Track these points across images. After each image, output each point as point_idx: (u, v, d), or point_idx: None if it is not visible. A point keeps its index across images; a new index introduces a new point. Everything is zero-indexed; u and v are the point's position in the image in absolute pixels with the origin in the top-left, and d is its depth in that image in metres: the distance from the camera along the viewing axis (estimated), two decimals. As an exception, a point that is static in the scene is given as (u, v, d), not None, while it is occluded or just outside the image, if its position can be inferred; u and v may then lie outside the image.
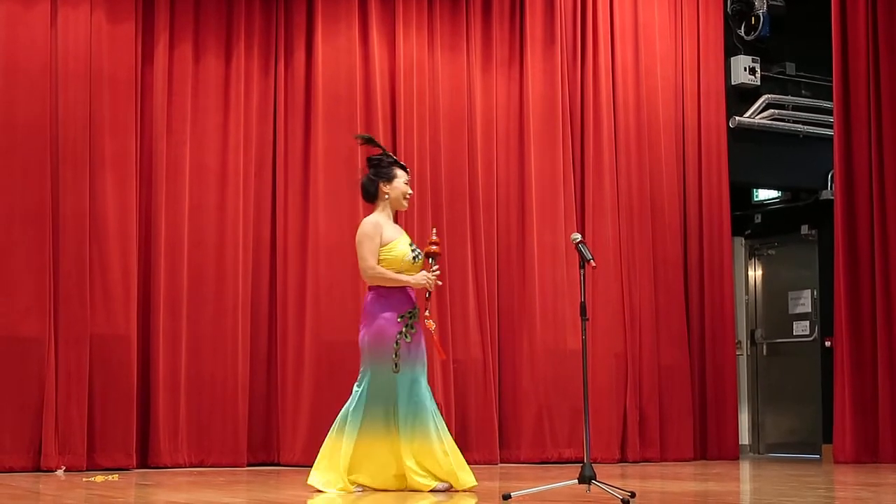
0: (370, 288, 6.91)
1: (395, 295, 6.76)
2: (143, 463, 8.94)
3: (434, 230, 7.14)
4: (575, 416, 9.73)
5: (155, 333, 9.01)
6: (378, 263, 6.73)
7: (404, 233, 7.05)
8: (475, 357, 9.92)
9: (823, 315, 11.70)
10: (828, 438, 10.88)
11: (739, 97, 11.60)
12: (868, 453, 10.21)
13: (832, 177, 11.20)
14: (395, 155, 9.84)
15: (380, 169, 6.97)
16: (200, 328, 9.18)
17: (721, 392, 11.07)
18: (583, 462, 6.07)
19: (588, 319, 6.29)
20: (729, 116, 11.44)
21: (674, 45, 11.24)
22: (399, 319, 6.70)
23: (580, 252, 6.30)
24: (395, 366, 6.65)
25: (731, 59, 11.56)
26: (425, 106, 10.04)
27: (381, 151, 7.10)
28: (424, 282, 6.76)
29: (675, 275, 11.02)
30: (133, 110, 9.10)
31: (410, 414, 6.66)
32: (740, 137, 11.53)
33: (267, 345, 9.48)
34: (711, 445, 11.02)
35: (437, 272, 6.83)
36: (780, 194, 12.42)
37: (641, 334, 10.70)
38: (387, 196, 6.88)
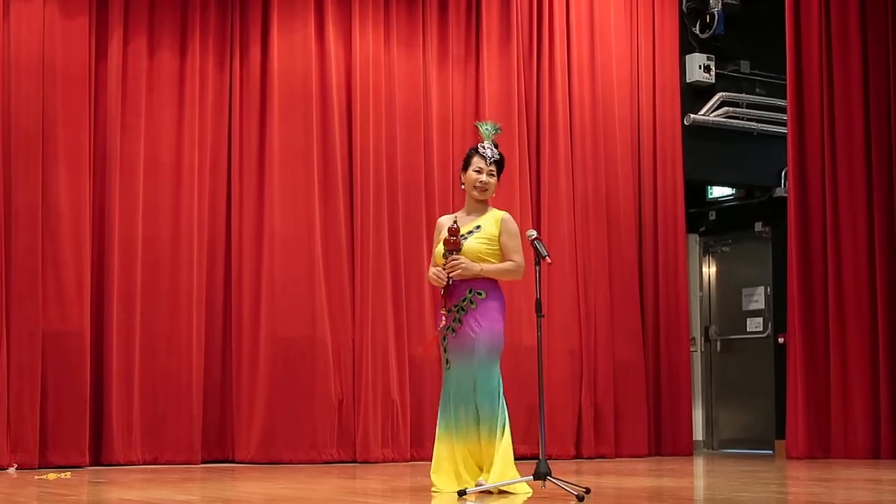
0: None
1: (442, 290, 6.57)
2: (97, 460, 8.90)
3: (455, 220, 6.61)
4: (530, 413, 9.76)
5: (108, 329, 8.96)
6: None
7: (476, 225, 6.55)
8: (430, 352, 9.91)
9: (777, 312, 11.79)
10: (781, 434, 10.98)
11: (694, 95, 11.68)
12: (820, 449, 10.32)
13: (786, 174, 11.30)
14: (351, 151, 9.92)
15: (464, 158, 6.75)
16: (154, 324, 9.14)
17: (675, 388, 11.14)
18: (538, 458, 6.09)
19: (543, 316, 6.28)
20: (684, 114, 11.51)
21: (629, 43, 11.30)
22: (446, 312, 6.48)
23: (536, 249, 6.29)
24: (447, 362, 6.51)
25: (686, 56, 11.63)
26: (381, 102, 10.04)
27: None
28: (434, 277, 6.46)
29: (631, 271, 11.08)
30: (87, 105, 9.04)
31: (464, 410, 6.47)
32: (695, 135, 11.61)
33: (222, 341, 9.45)
34: (666, 441, 11.10)
35: (455, 261, 6.38)
36: (734, 191, 12.51)
37: (597, 331, 10.75)
38: (463, 185, 6.67)
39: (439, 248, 6.52)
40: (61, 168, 8.90)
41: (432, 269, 6.51)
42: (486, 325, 6.41)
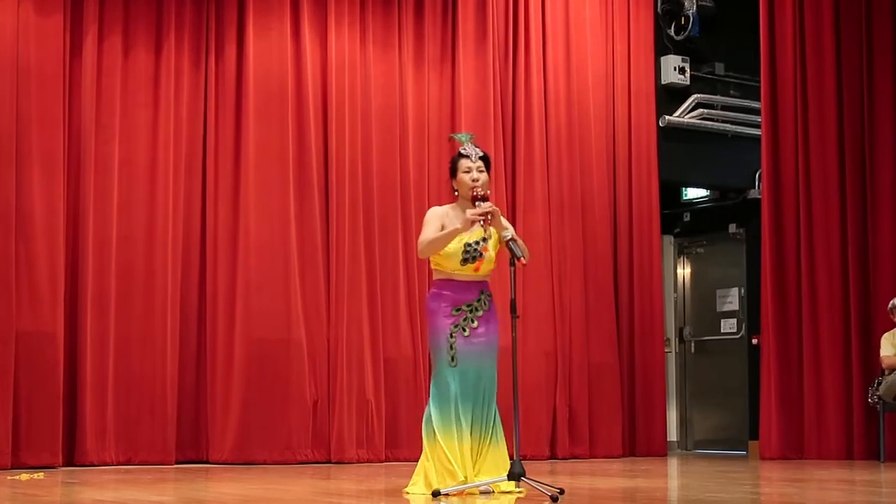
0: (431, 284, 6.71)
1: (449, 287, 6.58)
2: (70, 461, 8.87)
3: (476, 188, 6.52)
4: (505, 414, 9.68)
5: (82, 331, 8.94)
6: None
7: (479, 231, 6.48)
8: (405, 354, 9.95)
9: (751, 313, 11.83)
10: (754, 435, 11.03)
11: (669, 96, 11.72)
12: (794, 450, 10.38)
13: (760, 176, 11.35)
14: (327, 152, 9.91)
15: (449, 166, 6.75)
16: (129, 325, 9.12)
17: (650, 389, 11.19)
18: (512, 459, 6.11)
19: (518, 317, 6.29)
20: (659, 115, 11.56)
21: (604, 44, 11.33)
22: (455, 312, 6.54)
23: (510, 249, 6.31)
24: (452, 359, 6.48)
25: (662, 58, 11.68)
26: (357, 103, 10.04)
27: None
28: (471, 217, 6.30)
29: (605, 272, 11.11)
30: (61, 104, 9.01)
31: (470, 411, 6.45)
32: (670, 136, 11.65)
33: (196, 342, 9.43)
34: (640, 442, 11.14)
35: (489, 206, 6.30)
36: (708, 193, 12.56)
37: (571, 332, 10.78)
38: (456, 192, 6.67)
39: (461, 249, 6.41)
40: (35, 168, 8.86)
41: (469, 211, 6.38)
42: (494, 328, 6.47)
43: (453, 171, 6.61)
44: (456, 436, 6.34)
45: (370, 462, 9.66)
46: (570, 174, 11.00)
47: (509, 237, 6.36)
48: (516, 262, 6.28)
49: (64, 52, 9.06)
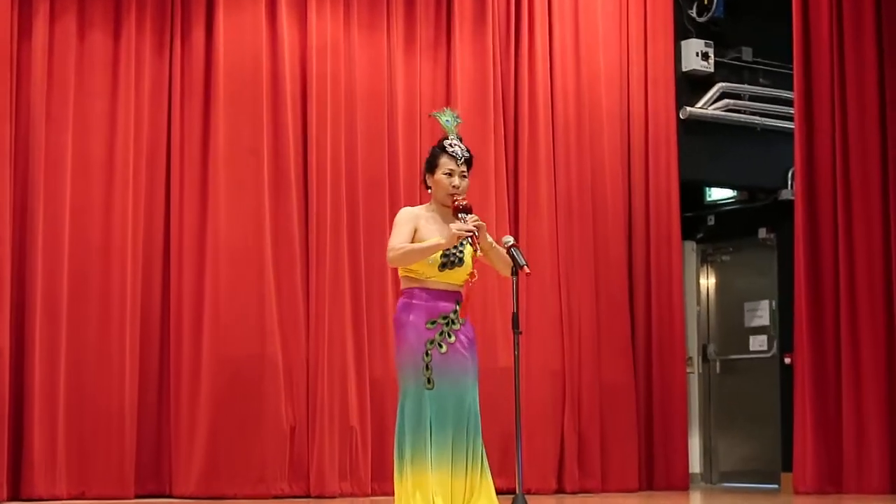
0: (400, 293, 6.73)
1: (423, 296, 6.57)
2: (15, 495, 8.83)
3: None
4: (506, 442, 9.75)
5: (30, 347, 8.91)
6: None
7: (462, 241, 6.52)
8: (395, 374, 9.88)
9: (783, 328, 11.82)
10: (787, 466, 11.01)
11: (691, 85, 11.72)
12: (831, 483, 10.35)
13: (792, 174, 11.35)
14: (306, 146, 9.90)
15: (428, 157, 6.71)
16: (83, 341, 9.10)
17: (669, 414, 11.18)
18: (514, 493, 6.09)
19: (521, 333, 6.30)
20: (679, 107, 11.55)
21: (618, 27, 11.34)
22: (429, 326, 6.51)
23: (513, 257, 6.30)
24: (428, 381, 6.45)
25: (682, 43, 11.67)
26: (340, 91, 10.03)
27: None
28: (458, 233, 6.25)
29: (619, 283, 11.11)
30: (7, 92, 8.98)
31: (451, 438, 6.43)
32: (692, 130, 11.65)
33: (159, 361, 9.41)
34: (658, 474, 11.13)
35: (475, 220, 6.29)
36: (735, 194, 12.55)
37: (581, 350, 10.78)
38: (429, 189, 6.65)
39: (439, 256, 6.43)
40: (-23, 164, 8.87)
41: (455, 226, 6.37)
42: (473, 345, 6.45)
43: (431, 166, 6.57)
44: (433, 470, 6.31)
45: (354, 496, 9.64)
46: (579, 173, 11.00)
47: (511, 243, 6.36)
48: (519, 271, 6.28)
49: (11, 34, 9.03)
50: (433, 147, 6.64)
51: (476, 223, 6.29)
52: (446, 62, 10.59)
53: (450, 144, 6.53)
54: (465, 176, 6.52)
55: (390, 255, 6.38)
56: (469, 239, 6.29)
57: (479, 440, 6.41)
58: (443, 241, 6.29)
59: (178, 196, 9.55)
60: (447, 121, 6.68)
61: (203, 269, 9.48)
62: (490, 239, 6.40)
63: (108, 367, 9.13)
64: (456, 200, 6.38)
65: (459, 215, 6.35)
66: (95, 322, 9.15)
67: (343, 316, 9.79)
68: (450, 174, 6.47)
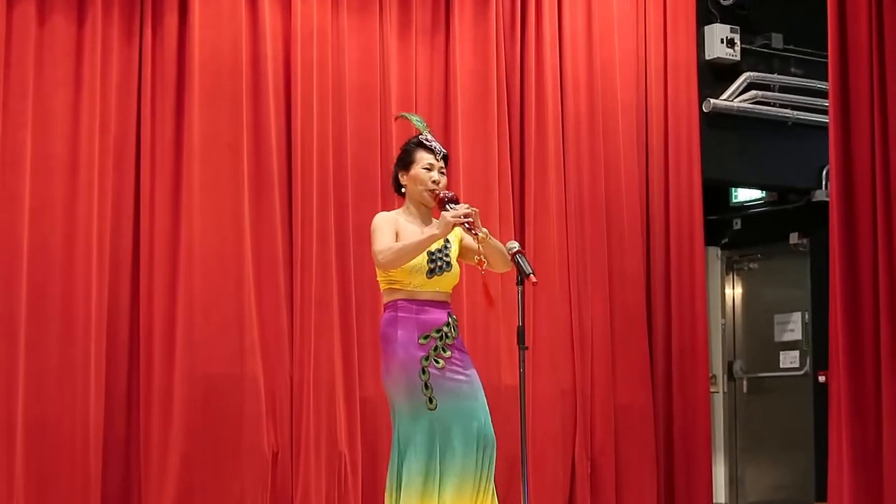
0: (385, 307, 6.78)
1: (413, 308, 6.57)
2: (-31, 527, 8.86)
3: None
4: (511, 468, 9.75)
5: (-15, 364, 8.92)
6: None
7: (445, 242, 6.69)
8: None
9: (817, 344, 11.84)
10: (821, 496, 11.01)
11: (715, 75, 11.74)
12: (870, 514, 10.36)
13: (827, 173, 11.35)
14: (290, 143, 9.90)
15: (400, 154, 6.83)
16: (42, 358, 9.08)
17: (691, 438, 11.19)
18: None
19: (527, 348, 6.36)
20: (702, 99, 11.57)
21: (635, 11, 11.35)
22: (422, 341, 6.59)
23: (518, 265, 6.33)
24: (430, 401, 6.48)
25: (705, 28, 11.70)
26: (328, 82, 10.02)
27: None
28: (453, 220, 6.41)
29: (636, 293, 11.12)
30: (-41, 84, 9.03)
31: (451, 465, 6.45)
32: (716, 124, 11.67)
33: (127, 380, 9.38)
34: (680, 504, 11.16)
35: (467, 209, 6.45)
36: (764, 195, 12.57)
37: (594, 367, 10.78)
38: (403, 190, 6.71)
39: (426, 259, 6.47)
40: (-74, 162, 8.89)
41: (447, 214, 6.43)
42: (469, 359, 6.48)
43: (406, 162, 6.63)
44: (440, 494, 6.33)
45: (343, 529, 9.66)
46: (591, 172, 11.01)
47: (516, 250, 6.38)
48: (525, 280, 6.29)
49: (-37, 19, 9.07)
50: (405, 144, 6.71)
51: (470, 209, 6.33)
52: (445, 49, 10.59)
53: (426, 139, 6.61)
54: (443, 173, 6.61)
55: (381, 257, 6.43)
56: (467, 225, 6.33)
57: (492, 471, 6.42)
58: (437, 232, 6.35)
59: (149, 198, 9.53)
60: (418, 120, 6.77)
61: (176, 278, 9.46)
62: (484, 229, 6.44)
63: (70, 387, 9.11)
64: (440, 193, 6.43)
65: (448, 206, 6.39)
66: (56, 337, 9.13)
67: (331, 329, 9.78)
68: (429, 168, 6.54)
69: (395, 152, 10.04)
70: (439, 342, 6.46)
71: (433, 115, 10.41)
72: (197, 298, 9.46)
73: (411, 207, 6.73)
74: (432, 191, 6.58)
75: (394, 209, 7.13)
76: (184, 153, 9.61)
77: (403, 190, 6.78)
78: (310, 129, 9.92)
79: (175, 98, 9.66)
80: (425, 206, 6.71)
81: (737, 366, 12.59)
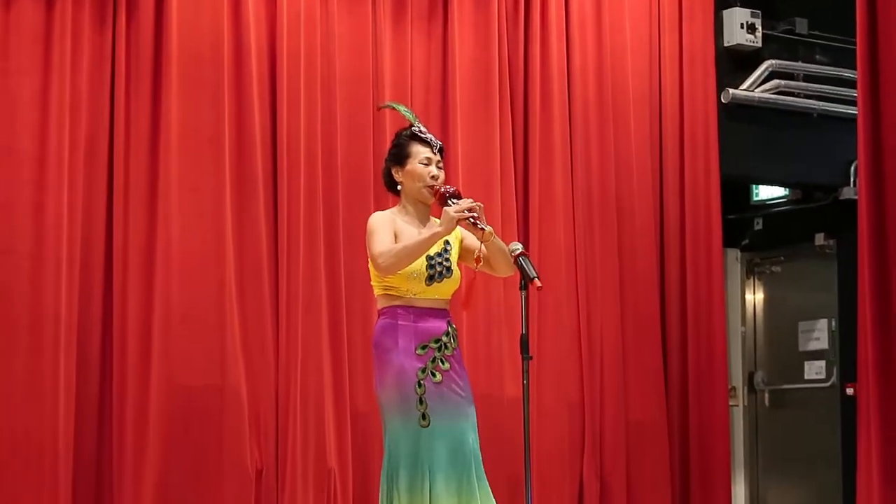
0: (379, 313, 6.80)
1: (410, 316, 6.61)
2: (-70, 549, 8.87)
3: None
4: (513, 488, 9.75)
5: (-54, 375, 8.94)
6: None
7: (446, 242, 6.73)
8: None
9: (844, 353, 11.83)
10: (850, 517, 11.03)
11: (734, 63, 11.75)
12: (902, 536, 10.37)
13: (856, 169, 11.35)
14: (276, 136, 9.91)
15: (392, 149, 6.86)
16: (8, 368, 9.07)
17: (709, 455, 11.21)
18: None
19: (531, 358, 6.34)
20: (720, 89, 11.58)
21: (648, -6, 11.39)
22: (420, 352, 6.60)
23: (521, 268, 6.33)
24: (423, 416, 6.50)
25: (724, 12, 11.70)
26: (316, 72, 10.02)
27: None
28: (457, 215, 6.41)
29: (649, 299, 11.14)
30: (-82, 72, 9.06)
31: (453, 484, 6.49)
32: (735, 116, 11.67)
33: (99, 391, 9.38)
34: (696, 526, 11.17)
35: (471, 203, 6.47)
36: (787, 192, 12.56)
37: (604, 378, 10.80)
38: (399, 187, 6.72)
39: (425, 263, 6.48)
40: None
41: (451, 209, 6.45)
42: (466, 373, 6.48)
43: (400, 157, 6.64)
44: None
45: (333, 552, 9.68)
46: (600, 168, 11.04)
47: (519, 251, 6.39)
48: (529, 284, 6.30)
49: (-78, 3, 9.09)
50: (397, 136, 6.72)
51: (474, 203, 6.34)
52: (442, 37, 10.59)
53: (420, 131, 6.62)
54: (441, 167, 6.62)
55: (381, 260, 6.43)
56: (471, 220, 6.34)
57: (486, 482, 6.45)
58: (440, 229, 6.35)
59: (123, 196, 9.52)
60: (407, 111, 6.78)
61: (152, 282, 9.46)
62: (489, 227, 6.45)
63: (38, 399, 9.11)
64: (440, 188, 6.44)
65: (449, 201, 6.40)
66: (23, 346, 9.13)
67: (320, 337, 9.78)
68: (427, 163, 6.55)
69: (388, 144, 10.17)
70: (438, 353, 6.47)
71: (430, 107, 10.43)
72: (174, 304, 9.46)
73: (408, 206, 6.74)
74: (432, 186, 6.58)
75: (388, 208, 7.15)
76: (161, 148, 9.60)
77: (399, 188, 6.79)
78: (297, 123, 9.93)
79: (151, 88, 9.65)
80: (424, 203, 6.71)
81: (758, 377, 12.57)
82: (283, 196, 9.84)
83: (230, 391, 9.50)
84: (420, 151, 6.66)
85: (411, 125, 6.86)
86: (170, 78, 9.63)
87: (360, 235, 9.84)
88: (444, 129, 10.47)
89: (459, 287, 6.84)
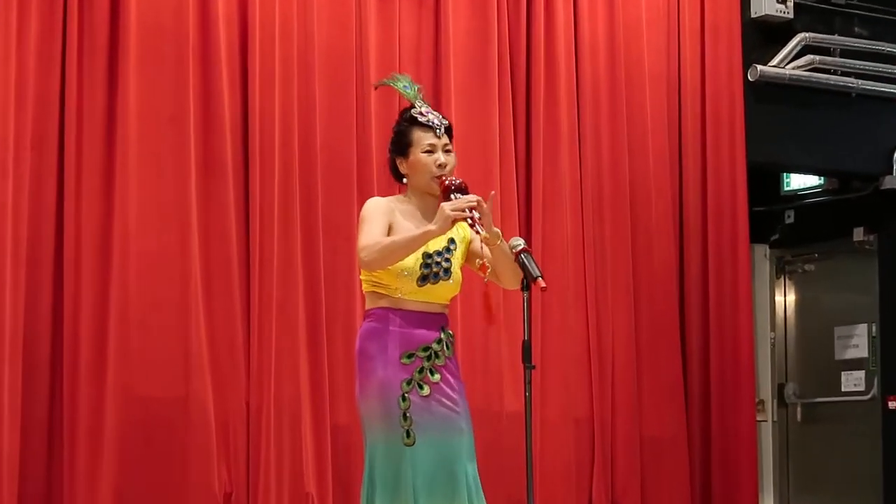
0: (365, 315, 6.76)
1: (397, 320, 6.56)
2: None
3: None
4: (515, 512, 9.79)
5: None
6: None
7: (450, 239, 6.68)
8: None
9: (886, 362, 11.84)
10: (892, 545, 11.04)
11: (763, 36, 11.75)
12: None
13: (899, 155, 11.39)
14: (247, 117, 9.88)
15: (393, 137, 6.79)
16: (-53, 378, 9.08)
17: (734, 476, 11.21)
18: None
19: (534, 367, 6.32)
20: (747, 65, 11.56)
21: (666, -42, 11.38)
22: (405, 361, 6.56)
23: (523, 266, 6.30)
24: (407, 434, 6.47)
25: (751, -21, 11.71)
26: (292, 44, 9.99)
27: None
28: (453, 214, 6.33)
29: (667, 302, 11.15)
30: None
31: None
32: (764, 96, 11.66)
33: (48, 403, 9.31)
34: (721, 555, 11.16)
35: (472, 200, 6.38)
36: (822, 181, 12.55)
37: (615, 390, 10.79)
38: (404, 179, 6.68)
39: (419, 261, 6.45)
40: None
41: (448, 205, 6.39)
42: (461, 385, 6.47)
43: (402, 147, 6.63)
44: None
45: (310, 585, 9.65)
46: (612, 154, 11.05)
47: (521, 247, 6.36)
48: (532, 284, 6.28)
49: None
50: (397, 123, 6.69)
51: (475, 200, 6.30)
52: (434, 6, 10.58)
53: (420, 113, 6.59)
54: (449, 150, 6.59)
55: (363, 254, 6.42)
56: (469, 221, 6.30)
57: None
58: (433, 228, 6.32)
59: (74, 183, 9.46)
60: (405, 87, 6.75)
61: (107, 280, 9.40)
62: (496, 229, 6.40)
63: (-21, 411, 9.11)
64: (446, 179, 6.41)
65: (452, 196, 6.37)
66: (-37, 352, 9.13)
67: (296, 342, 9.75)
68: (431, 150, 6.53)
69: (373, 129, 10.19)
70: (426, 363, 6.46)
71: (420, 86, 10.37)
72: (133, 305, 9.40)
73: (413, 197, 6.71)
74: (438, 177, 6.55)
75: (377, 195, 7.11)
76: (117, 130, 9.55)
77: (405, 180, 6.75)
78: (270, 102, 9.88)
79: (107, 63, 9.60)
80: (431, 195, 6.68)
81: (789, 389, 12.59)
82: (256, 183, 9.80)
83: (195, 403, 9.45)
84: (422, 138, 6.62)
85: (412, 106, 6.82)
86: (127, 51, 9.57)
87: (341, 227, 9.96)
88: (437, 110, 10.41)
89: (486, 300, 6.85)
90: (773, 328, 12.69)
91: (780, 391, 12.62)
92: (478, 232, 6.35)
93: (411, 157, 6.61)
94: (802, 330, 12.68)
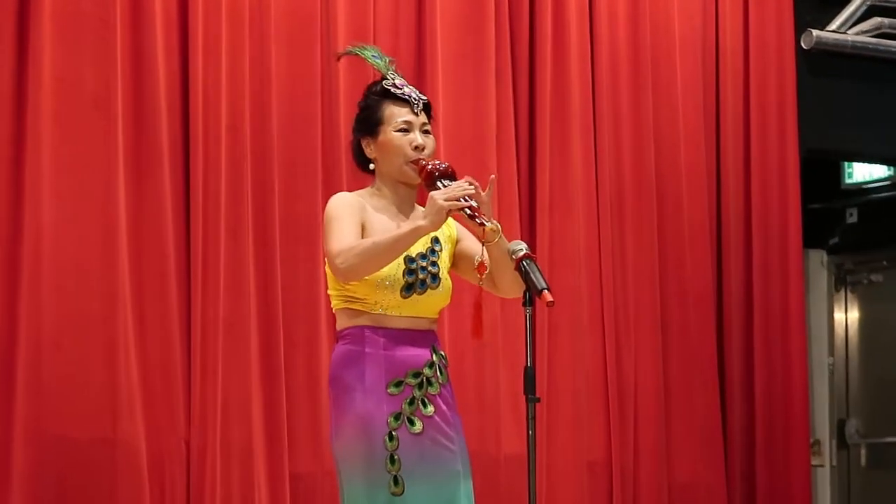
0: (338, 336, 6.77)
1: (380, 341, 6.56)
2: None
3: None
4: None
5: None
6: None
7: (433, 238, 6.71)
8: (330, 467, 9.86)
9: (970, 394, 11.92)
10: None
11: (819, -2, 11.81)
12: None
13: None
14: (187, 94, 9.90)
15: (359, 113, 6.81)
16: None
17: (785, 533, 11.24)
18: None
19: (539, 400, 6.32)
20: (800, 31, 11.61)
21: None
22: (393, 391, 6.59)
23: (526, 275, 6.32)
24: (395, 480, 6.51)
25: (805, -71, 11.78)
26: (243, 6, 10.02)
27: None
28: (448, 204, 6.31)
29: (702, 321, 11.22)
30: None
31: None
32: (820, 69, 11.72)
33: (-54, 443, 9.43)
34: None
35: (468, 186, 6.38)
36: (890, 172, 12.59)
37: (638, 429, 10.84)
38: (371, 165, 6.69)
39: (402, 266, 6.48)
40: None
41: (439, 193, 6.40)
42: (458, 417, 6.50)
43: (370, 124, 6.64)
44: None
45: None
46: (634, 141, 11.12)
47: (523, 253, 6.38)
48: (536, 298, 6.29)
49: None
50: (364, 97, 6.72)
51: (472, 188, 6.32)
52: (416, -39, 10.65)
53: (394, 85, 6.62)
54: (428, 131, 6.63)
55: (340, 261, 6.42)
56: (468, 211, 6.32)
57: None
58: (424, 223, 6.33)
59: (-28, 177, 9.55)
60: (374, 56, 6.79)
61: (16, 294, 9.41)
62: (495, 223, 6.42)
63: None
64: (427, 164, 6.43)
65: (438, 183, 6.39)
66: None
67: (248, 371, 9.77)
68: (406, 129, 6.55)
69: (342, 110, 10.21)
70: (417, 392, 6.47)
71: (400, 57, 10.37)
72: (47, 325, 9.41)
73: (384, 189, 6.72)
74: (416, 161, 6.57)
75: (357, 189, 7.13)
76: (28, 114, 9.56)
77: (372, 166, 6.76)
78: (216, 77, 9.91)
79: (15, 34, 9.61)
80: (407, 185, 6.69)
81: (851, 427, 12.63)
82: (198, 176, 9.82)
83: (124, 446, 9.47)
84: (395, 114, 6.62)
85: (383, 77, 6.84)
86: (40, 18, 9.59)
87: (303, 229, 10.01)
88: (420, 87, 10.44)
89: (477, 311, 6.84)
90: (831, 352, 12.73)
91: (840, 429, 12.66)
92: (482, 224, 6.35)
93: (381, 137, 6.60)
94: (867, 354, 12.73)
